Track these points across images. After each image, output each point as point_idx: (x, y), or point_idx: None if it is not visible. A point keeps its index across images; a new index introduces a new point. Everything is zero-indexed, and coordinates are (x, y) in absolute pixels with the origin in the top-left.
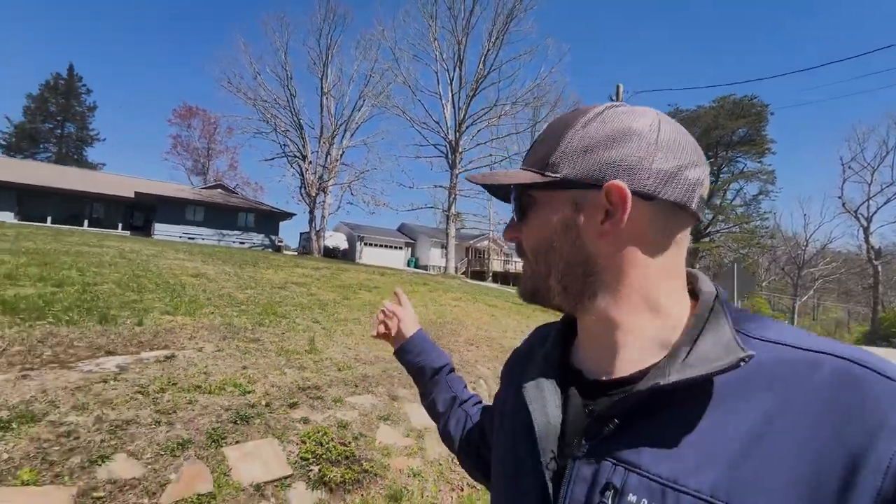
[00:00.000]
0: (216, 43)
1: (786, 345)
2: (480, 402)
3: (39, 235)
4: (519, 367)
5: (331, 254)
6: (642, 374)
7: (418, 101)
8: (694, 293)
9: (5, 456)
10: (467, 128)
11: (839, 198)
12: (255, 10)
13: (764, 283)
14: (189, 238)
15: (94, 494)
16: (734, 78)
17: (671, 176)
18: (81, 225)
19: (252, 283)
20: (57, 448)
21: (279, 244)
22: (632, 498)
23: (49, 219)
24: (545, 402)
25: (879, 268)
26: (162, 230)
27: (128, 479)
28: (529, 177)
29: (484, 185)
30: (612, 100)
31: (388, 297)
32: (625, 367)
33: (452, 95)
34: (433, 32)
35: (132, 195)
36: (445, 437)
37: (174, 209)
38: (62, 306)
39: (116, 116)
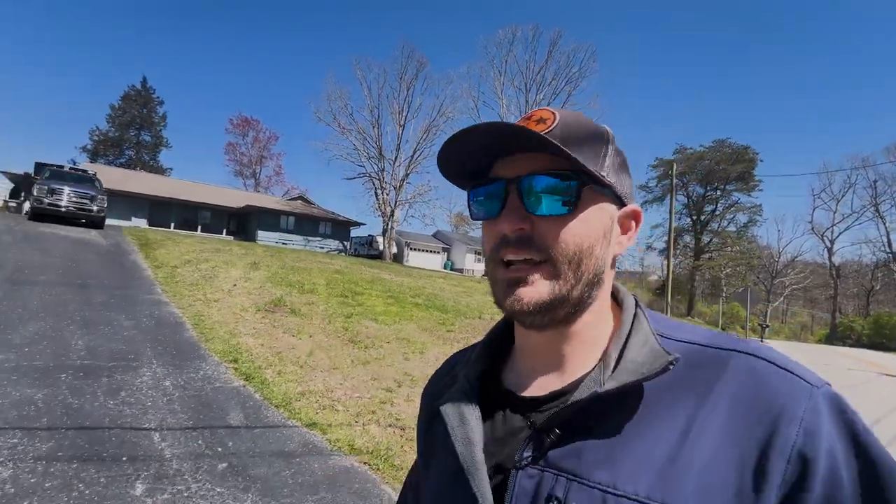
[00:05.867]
0: (265, 54)
1: (697, 344)
2: None
3: (257, 251)
4: (438, 399)
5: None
6: (576, 385)
7: None
8: (615, 299)
9: None
10: None
11: (809, 222)
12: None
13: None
14: (283, 244)
15: None
16: (731, 125)
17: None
18: (195, 230)
19: (465, 291)
20: None
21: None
22: None
23: (172, 224)
24: (464, 417)
25: (838, 282)
26: (263, 236)
27: None
28: (594, 168)
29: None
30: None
31: None
32: (565, 378)
33: None
34: (500, 85)
35: (234, 205)
36: None
37: (272, 218)
38: (435, 305)
39: (174, 122)
